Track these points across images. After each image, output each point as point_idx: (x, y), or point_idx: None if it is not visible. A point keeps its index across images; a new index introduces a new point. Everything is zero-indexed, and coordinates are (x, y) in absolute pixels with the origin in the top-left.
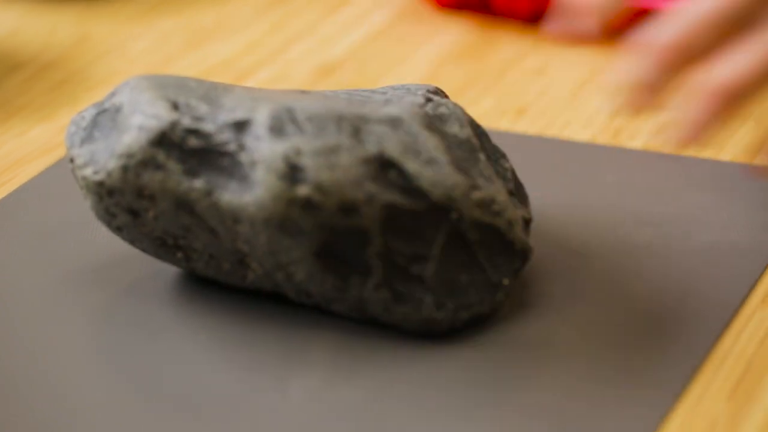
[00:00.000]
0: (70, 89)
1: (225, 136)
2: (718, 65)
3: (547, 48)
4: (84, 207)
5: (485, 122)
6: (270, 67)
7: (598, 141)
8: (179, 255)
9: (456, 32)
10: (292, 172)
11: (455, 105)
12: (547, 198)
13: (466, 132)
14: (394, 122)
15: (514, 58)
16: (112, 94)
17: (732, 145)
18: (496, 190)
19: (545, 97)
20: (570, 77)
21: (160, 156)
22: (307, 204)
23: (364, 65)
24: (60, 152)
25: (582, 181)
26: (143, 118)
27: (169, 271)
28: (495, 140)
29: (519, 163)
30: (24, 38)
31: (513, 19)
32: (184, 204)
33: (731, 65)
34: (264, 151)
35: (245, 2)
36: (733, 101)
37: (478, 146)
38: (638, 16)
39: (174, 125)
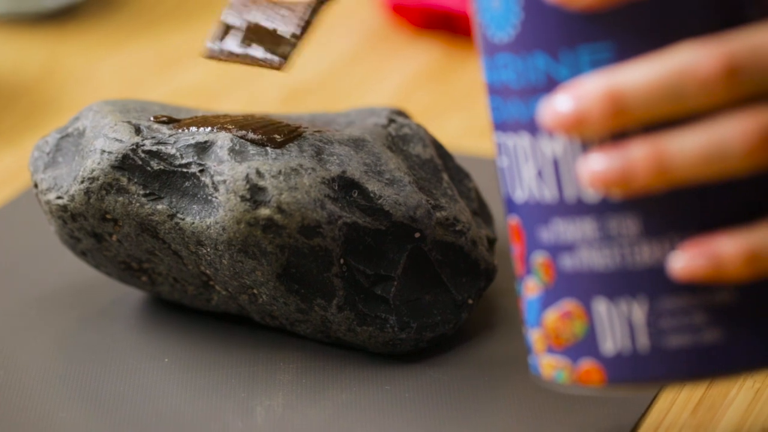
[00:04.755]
0: (39, 116)
1: (187, 159)
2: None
3: None
4: (50, 233)
5: (453, 143)
6: (239, 91)
7: None
8: (144, 279)
9: (424, 54)
10: (254, 194)
11: (418, 126)
12: None
13: (429, 152)
14: (357, 143)
15: (482, 80)
16: (76, 119)
17: None
18: (459, 210)
19: None
20: None
21: (123, 179)
22: (269, 225)
23: (333, 89)
24: (27, 179)
25: None
26: (106, 142)
27: (134, 295)
28: (462, 161)
29: (484, 183)
30: None
31: None
32: (147, 227)
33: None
34: (225, 173)
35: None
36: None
37: (441, 166)
38: None
39: (136, 148)
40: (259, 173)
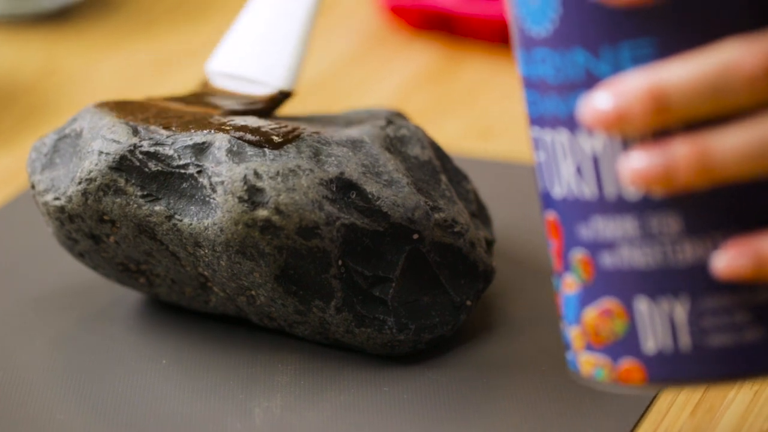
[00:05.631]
0: (36, 117)
1: (184, 160)
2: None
3: (513, 70)
4: (48, 234)
5: (451, 145)
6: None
7: None
8: (142, 280)
9: (423, 56)
10: (252, 195)
11: (416, 127)
12: (511, 220)
13: (428, 154)
14: (355, 144)
15: (481, 81)
16: (73, 120)
17: None
18: (458, 212)
19: (511, 120)
20: None
21: (121, 180)
22: (267, 226)
23: (331, 90)
24: (25, 180)
25: None
26: (103, 143)
27: (133, 297)
28: (460, 163)
29: (483, 185)
30: None
31: (480, 40)
32: (145, 228)
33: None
34: (223, 174)
35: (212, 28)
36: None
37: (439, 168)
38: None
39: (134, 149)
40: (257, 174)
